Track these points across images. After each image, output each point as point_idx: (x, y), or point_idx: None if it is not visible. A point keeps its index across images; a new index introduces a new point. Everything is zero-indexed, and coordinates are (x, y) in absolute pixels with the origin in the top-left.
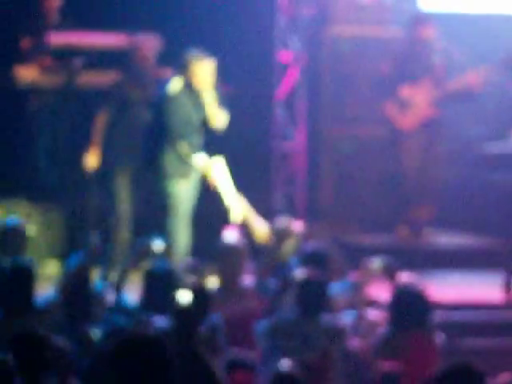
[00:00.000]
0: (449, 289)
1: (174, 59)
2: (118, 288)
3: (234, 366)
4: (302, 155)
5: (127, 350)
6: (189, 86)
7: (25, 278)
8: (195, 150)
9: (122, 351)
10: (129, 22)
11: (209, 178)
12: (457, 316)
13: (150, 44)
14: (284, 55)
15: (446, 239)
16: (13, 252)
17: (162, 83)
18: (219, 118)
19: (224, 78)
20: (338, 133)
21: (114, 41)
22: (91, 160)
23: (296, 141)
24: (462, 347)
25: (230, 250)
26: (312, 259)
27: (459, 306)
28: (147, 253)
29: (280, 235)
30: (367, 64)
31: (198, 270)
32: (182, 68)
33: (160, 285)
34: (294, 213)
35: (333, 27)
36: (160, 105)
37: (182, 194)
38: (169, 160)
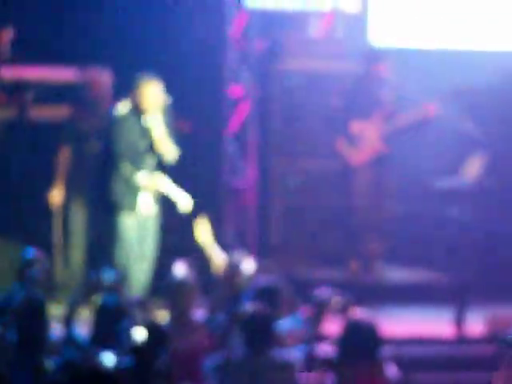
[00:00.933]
0: (399, 323)
1: (126, 93)
2: (68, 321)
3: None
4: (252, 190)
5: (81, 382)
6: (136, 109)
7: None
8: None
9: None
10: (81, 57)
11: (155, 192)
12: (407, 350)
13: (102, 78)
14: (235, 89)
15: (396, 274)
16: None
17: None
18: (166, 144)
19: (175, 112)
20: (287, 167)
21: (65, 75)
22: (56, 196)
23: (246, 175)
24: (412, 382)
25: (180, 285)
26: (263, 294)
27: (410, 341)
28: (97, 286)
29: (232, 270)
30: (317, 98)
31: (144, 305)
32: (131, 91)
33: (109, 319)
34: (244, 247)
35: (283, 61)
36: (107, 129)
37: (130, 226)
38: (116, 190)
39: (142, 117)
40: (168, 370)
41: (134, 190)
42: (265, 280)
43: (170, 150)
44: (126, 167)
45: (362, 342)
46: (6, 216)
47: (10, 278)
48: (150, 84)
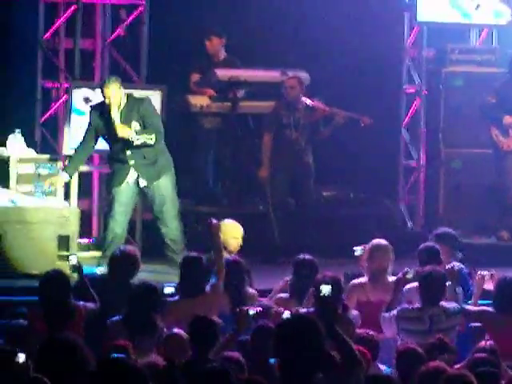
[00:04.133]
0: None
1: (319, 91)
2: None
3: (360, 341)
4: (422, 171)
5: (291, 326)
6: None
7: (197, 266)
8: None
9: (286, 328)
10: (282, 61)
11: None
12: None
13: (298, 79)
14: (408, 88)
15: None
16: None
17: None
18: (123, 130)
19: (361, 108)
20: (451, 152)
21: (270, 75)
22: (263, 171)
23: (417, 159)
24: None
25: (381, 249)
26: (427, 255)
27: None
28: None
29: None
30: (476, 96)
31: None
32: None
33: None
34: (414, 218)
35: (447, 65)
36: None
37: None
38: None
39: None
40: (343, 315)
41: None
42: (430, 244)
43: (127, 135)
44: None
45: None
46: (216, 192)
47: None
48: (108, 86)
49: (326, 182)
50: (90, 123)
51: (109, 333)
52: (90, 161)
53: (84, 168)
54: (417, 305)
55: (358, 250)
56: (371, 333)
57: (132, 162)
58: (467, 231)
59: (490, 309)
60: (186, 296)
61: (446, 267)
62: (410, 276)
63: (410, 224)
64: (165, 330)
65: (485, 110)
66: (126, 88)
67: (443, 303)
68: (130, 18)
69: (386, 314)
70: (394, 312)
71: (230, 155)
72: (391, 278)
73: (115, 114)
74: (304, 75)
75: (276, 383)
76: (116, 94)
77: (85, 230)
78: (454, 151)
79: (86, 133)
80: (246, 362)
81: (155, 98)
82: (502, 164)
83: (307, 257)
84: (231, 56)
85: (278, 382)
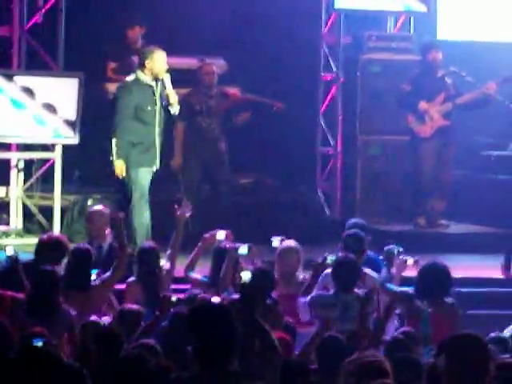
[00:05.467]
0: (458, 268)
1: (236, 78)
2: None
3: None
4: (339, 158)
5: (201, 313)
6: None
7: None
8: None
9: (196, 314)
10: (200, 48)
11: None
12: (465, 290)
13: (215, 66)
14: (326, 75)
15: (455, 228)
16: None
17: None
18: (175, 96)
19: (278, 95)
20: (368, 139)
21: (187, 62)
22: (176, 162)
23: (334, 146)
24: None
25: (291, 251)
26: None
27: (467, 282)
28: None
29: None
30: (392, 83)
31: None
32: (144, 61)
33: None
34: (332, 204)
35: (364, 53)
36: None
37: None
38: None
39: (149, 78)
40: (273, 307)
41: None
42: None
43: (177, 101)
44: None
45: (437, 280)
46: None
47: None
48: (160, 52)
49: (243, 169)
50: (126, 104)
51: (18, 321)
52: (7, 148)
53: (1, 155)
54: (330, 291)
55: (276, 241)
56: (290, 320)
57: (158, 139)
58: (384, 218)
59: (411, 292)
60: (71, 288)
61: (384, 249)
62: (330, 261)
63: (327, 211)
64: (73, 313)
65: (400, 98)
66: (43, 75)
67: (356, 290)
68: (47, 6)
69: (303, 299)
70: (308, 298)
71: None
72: (302, 276)
73: (169, 80)
74: (221, 62)
75: (193, 370)
76: None
77: (1, 218)
78: (371, 138)
79: (125, 117)
80: (163, 349)
81: (72, 85)
82: (419, 151)
83: (227, 245)
84: (149, 44)
85: (195, 369)
